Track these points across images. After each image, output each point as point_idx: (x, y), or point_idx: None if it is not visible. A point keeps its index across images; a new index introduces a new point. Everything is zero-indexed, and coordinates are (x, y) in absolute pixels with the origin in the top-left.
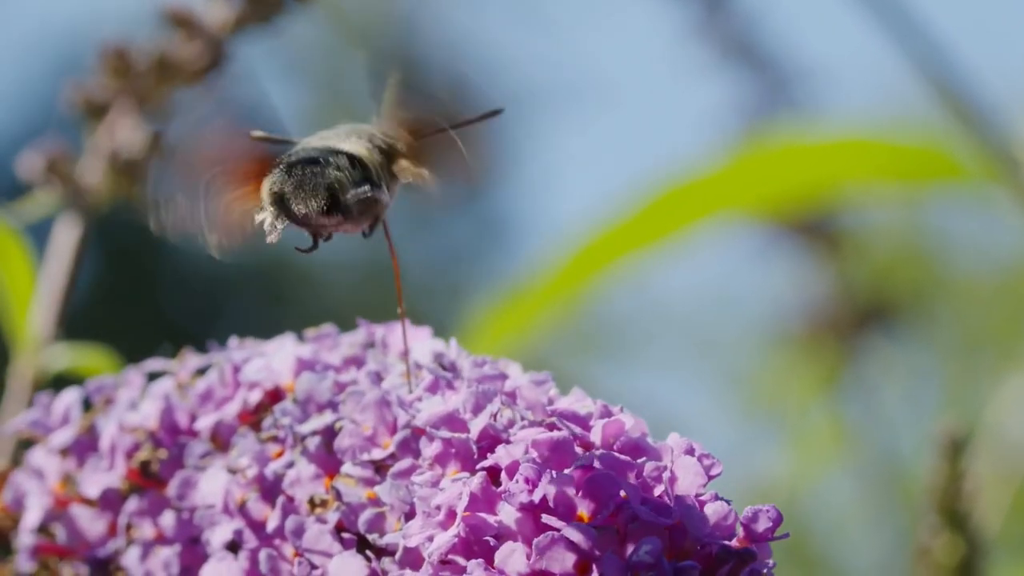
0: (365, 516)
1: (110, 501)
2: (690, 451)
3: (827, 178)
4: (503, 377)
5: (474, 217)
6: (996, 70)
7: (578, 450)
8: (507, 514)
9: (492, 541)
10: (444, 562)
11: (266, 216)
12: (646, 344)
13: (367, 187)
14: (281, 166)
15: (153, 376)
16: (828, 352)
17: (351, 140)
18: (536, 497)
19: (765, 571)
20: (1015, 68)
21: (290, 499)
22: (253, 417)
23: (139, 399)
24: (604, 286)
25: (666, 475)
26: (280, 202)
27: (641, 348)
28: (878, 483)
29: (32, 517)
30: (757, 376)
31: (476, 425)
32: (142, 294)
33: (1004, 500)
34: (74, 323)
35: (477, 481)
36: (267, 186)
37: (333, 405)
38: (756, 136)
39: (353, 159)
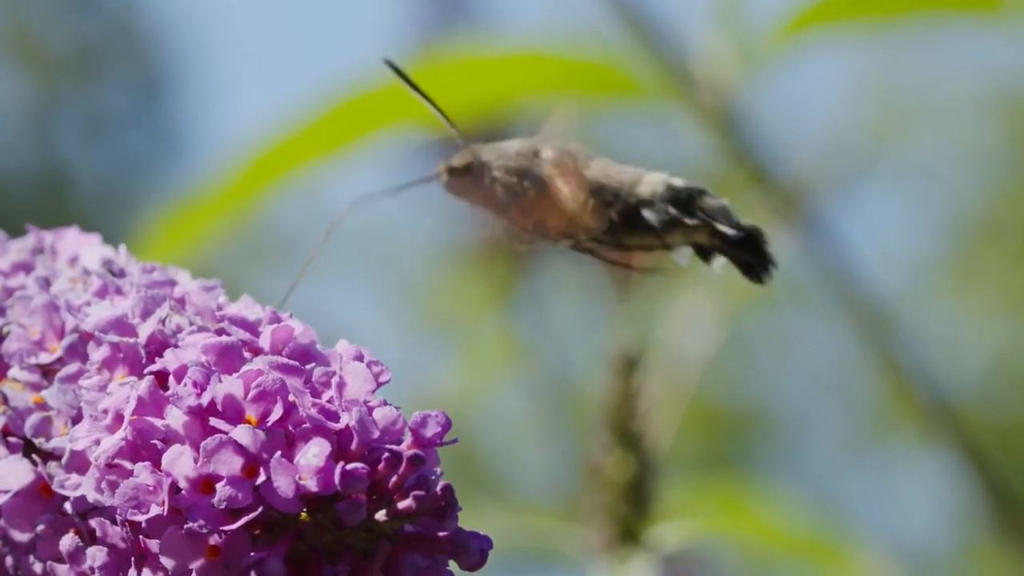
0: (31, 420)
1: None
2: (359, 357)
3: (502, 92)
4: (172, 283)
5: (149, 128)
6: None
7: (247, 355)
8: (175, 418)
9: (159, 444)
10: (111, 465)
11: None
12: (319, 257)
13: None
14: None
15: None
16: (500, 267)
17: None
18: (204, 400)
19: (433, 477)
20: None
21: None
22: None
23: None
24: (276, 197)
25: (335, 380)
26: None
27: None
28: (549, 399)
29: None
30: (430, 291)
31: (144, 329)
32: None
33: (675, 419)
34: None
35: (145, 385)
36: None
37: (1, 310)
38: (431, 49)
39: None
